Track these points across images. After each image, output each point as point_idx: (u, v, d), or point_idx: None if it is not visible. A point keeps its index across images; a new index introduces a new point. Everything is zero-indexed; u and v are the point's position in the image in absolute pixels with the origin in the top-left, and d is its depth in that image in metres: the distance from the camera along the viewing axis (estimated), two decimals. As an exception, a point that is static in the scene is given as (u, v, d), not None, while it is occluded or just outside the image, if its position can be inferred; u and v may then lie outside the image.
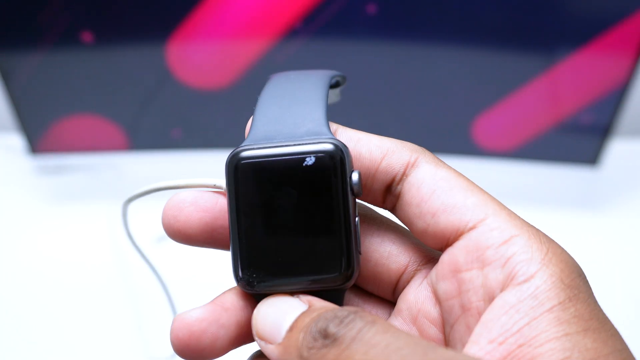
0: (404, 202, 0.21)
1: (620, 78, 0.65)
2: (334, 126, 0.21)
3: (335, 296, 0.20)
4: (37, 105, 0.71)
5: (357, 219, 0.20)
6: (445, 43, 0.64)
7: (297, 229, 0.20)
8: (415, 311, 0.21)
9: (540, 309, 0.17)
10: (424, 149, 0.21)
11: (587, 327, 0.17)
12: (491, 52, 0.64)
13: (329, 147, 0.20)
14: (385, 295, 0.22)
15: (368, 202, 0.22)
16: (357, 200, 0.21)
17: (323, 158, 0.20)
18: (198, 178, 0.23)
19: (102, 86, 0.69)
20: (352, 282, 0.20)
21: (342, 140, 0.20)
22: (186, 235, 0.21)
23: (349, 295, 0.23)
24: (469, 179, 0.21)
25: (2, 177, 0.85)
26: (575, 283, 0.18)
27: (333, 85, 0.24)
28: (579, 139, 0.73)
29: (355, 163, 0.21)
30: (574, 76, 0.66)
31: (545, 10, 0.61)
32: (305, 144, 0.20)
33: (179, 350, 0.21)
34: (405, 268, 0.22)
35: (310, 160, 0.20)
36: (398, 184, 0.21)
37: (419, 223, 0.20)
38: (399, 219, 0.22)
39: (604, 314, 0.19)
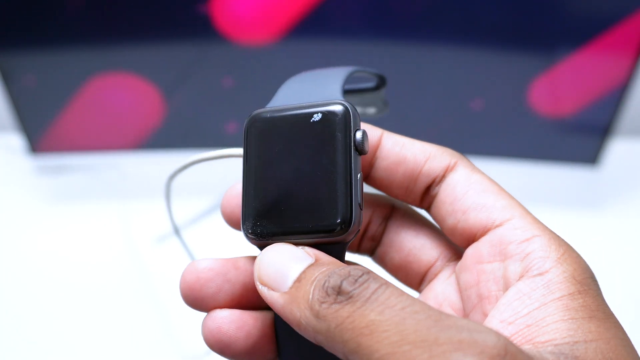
0: (439, 200, 0.22)
1: (620, 77, 0.65)
2: (379, 131, 0.23)
3: (337, 249, 0.21)
4: (37, 105, 0.71)
5: (359, 175, 0.21)
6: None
7: (302, 181, 0.20)
8: (440, 301, 0.22)
9: (550, 296, 0.18)
10: (462, 155, 0.23)
11: (592, 315, 0.18)
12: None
13: (336, 107, 0.20)
14: (412, 285, 0.24)
15: (408, 203, 0.24)
16: (405, 203, 0.23)
17: (329, 114, 0.20)
18: (229, 149, 0.24)
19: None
20: (352, 234, 0.20)
21: (387, 145, 0.22)
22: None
23: None
24: (500, 186, 0.22)
25: (2, 177, 0.85)
26: (587, 281, 0.19)
27: (375, 88, 0.25)
28: (579, 139, 0.73)
29: (400, 165, 0.22)
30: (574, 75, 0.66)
31: (545, 10, 0.61)
32: (316, 105, 0.21)
33: (184, 292, 0.22)
34: (435, 261, 0.23)
35: (317, 117, 0.20)
36: (437, 185, 0.22)
37: (450, 219, 0.22)
38: (432, 217, 0.23)
39: (610, 310, 0.20)
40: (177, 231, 0.31)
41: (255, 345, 0.22)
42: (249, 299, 0.22)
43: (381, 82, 0.26)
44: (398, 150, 0.22)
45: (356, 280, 0.17)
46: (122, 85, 0.70)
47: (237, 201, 0.22)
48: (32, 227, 0.78)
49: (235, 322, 0.21)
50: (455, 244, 0.23)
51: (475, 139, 0.74)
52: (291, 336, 0.20)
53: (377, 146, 0.23)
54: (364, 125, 0.22)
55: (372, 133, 0.23)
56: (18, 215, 0.80)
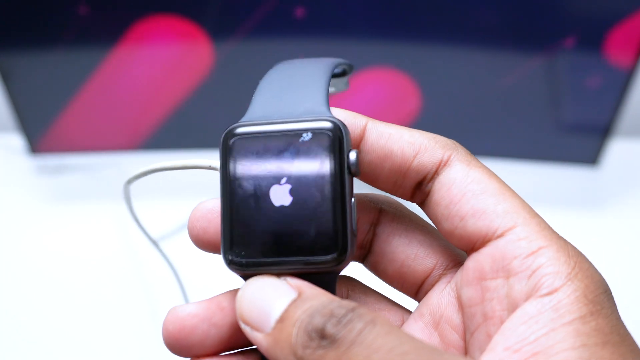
0: (433, 201, 0.20)
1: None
2: (364, 119, 0.21)
3: (327, 279, 0.19)
4: (37, 105, 0.71)
5: (353, 199, 0.19)
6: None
7: (290, 207, 0.18)
8: (438, 317, 0.21)
9: (559, 321, 0.17)
10: (457, 145, 0.21)
11: (606, 340, 0.17)
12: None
13: (327, 124, 0.18)
14: (409, 294, 0.22)
15: (397, 196, 0.22)
16: (387, 194, 0.21)
17: (320, 135, 0.18)
18: (194, 159, 0.22)
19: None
20: (345, 264, 0.19)
21: (371, 137, 0.20)
22: (214, 245, 0.20)
23: (363, 297, 0.23)
24: (501, 181, 0.20)
25: (2, 177, 0.85)
26: (599, 299, 0.18)
27: (340, 74, 0.24)
28: (579, 139, 0.73)
29: (386, 160, 0.20)
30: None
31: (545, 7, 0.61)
32: (303, 121, 0.19)
33: (168, 343, 0.20)
34: (432, 271, 0.21)
35: (307, 136, 0.18)
36: (429, 182, 0.20)
37: (447, 224, 0.20)
38: (427, 215, 0.21)
39: (625, 330, 0.19)
40: (145, 233, 0.30)
41: None
42: (238, 338, 0.20)
43: (349, 69, 0.24)
44: (383, 144, 0.20)
45: (339, 321, 0.16)
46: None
47: (211, 218, 0.20)
48: (32, 227, 0.78)
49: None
50: (455, 250, 0.22)
51: (475, 140, 0.74)
52: None
53: (361, 139, 0.20)
54: (344, 113, 0.20)
55: (355, 122, 0.20)
56: (18, 215, 0.80)
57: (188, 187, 0.78)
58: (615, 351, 0.17)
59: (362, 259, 0.23)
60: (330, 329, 0.16)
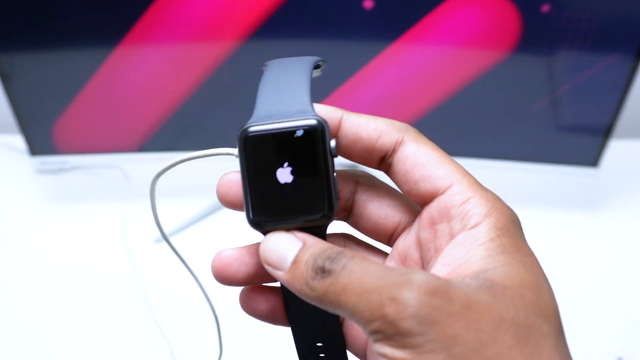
0: (394, 171, 0.28)
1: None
2: (340, 112, 0.28)
3: (321, 230, 0.27)
4: (38, 105, 0.71)
5: (334, 174, 0.27)
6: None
7: (291, 182, 0.26)
8: (403, 255, 0.29)
9: (476, 243, 0.25)
10: (409, 127, 0.28)
11: (504, 250, 0.24)
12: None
13: (313, 122, 0.26)
14: (383, 242, 0.30)
15: (369, 167, 0.29)
16: (364, 167, 0.29)
17: (309, 130, 0.26)
18: (216, 149, 0.29)
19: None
20: (332, 219, 0.27)
21: (346, 126, 0.28)
22: (233, 203, 0.28)
23: (355, 246, 0.31)
24: (442, 151, 0.27)
25: (3, 177, 0.85)
26: (506, 227, 0.25)
27: (316, 67, 0.30)
28: (579, 141, 0.73)
29: (357, 143, 0.28)
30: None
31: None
32: (296, 120, 0.26)
33: (214, 274, 0.29)
34: (398, 225, 0.29)
35: (300, 133, 0.26)
36: (390, 157, 0.28)
37: (405, 187, 0.28)
38: (391, 179, 0.29)
39: (523, 243, 0.26)
40: (162, 233, 0.34)
41: (273, 307, 0.30)
42: (261, 275, 0.28)
43: (322, 63, 0.31)
44: (355, 131, 0.27)
45: (333, 260, 0.24)
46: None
47: (231, 185, 0.28)
48: (32, 227, 0.78)
49: (257, 290, 0.30)
50: (414, 206, 0.30)
51: (476, 141, 0.74)
52: (295, 299, 0.27)
53: (338, 128, 0.28)
54: (325, 108, 0.28)
55: (333, 115, 0.28)
56: (19, 215, 0.80)
57: (187, 188, 0.78)
58: (509, 256, 0.24)
59: (346, 219, 0.31)
60: (327, 265, 0.24)
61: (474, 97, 0.69)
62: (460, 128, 0.73)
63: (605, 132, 0.70)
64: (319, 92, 0.71)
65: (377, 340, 0.22)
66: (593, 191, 0.84)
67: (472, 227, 0.25)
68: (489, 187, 0.27)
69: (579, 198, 0.83)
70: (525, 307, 0.23)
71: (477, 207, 0.25)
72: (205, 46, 0.67)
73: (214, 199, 0.81)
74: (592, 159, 0.73)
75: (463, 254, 0.25)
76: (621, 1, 0.61)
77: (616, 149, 0.79)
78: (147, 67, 0.69)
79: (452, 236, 0.26)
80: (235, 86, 0.70)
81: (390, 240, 0.30)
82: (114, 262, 0.73)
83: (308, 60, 0.30)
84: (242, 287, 0.30)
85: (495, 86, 0.68)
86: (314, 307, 0.25)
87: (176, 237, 0.76)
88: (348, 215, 0.30)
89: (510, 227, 0.25)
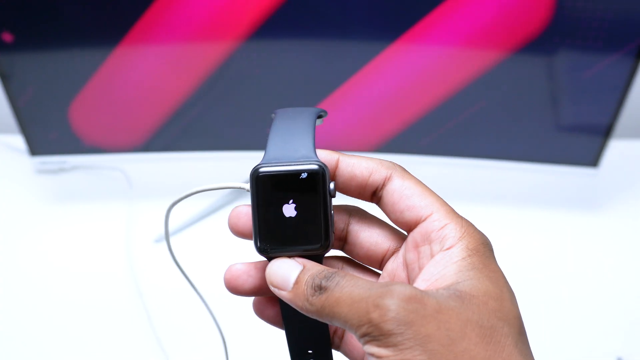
0: (384, 202, 0.32)
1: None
2: (337, 154, 0.33)
3: (318, 258, 0.31)
4: (37, 105, 0.71)
5: (332, 211, 0.32)
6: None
7: (295, 217, 0.31)
8: (392, 275, 0.33)
9: (450, 261, 0.29)
10: (395, 165, 0.33)
11: (474, 267, 0.29)
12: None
13: (315, 167, 0.31)
14: (375, 267, 0.34)
15: (362, 200, 0.33)
16: (355, 204, 0.34)
17: (312, 174, 0.31)
18: (230, 182, 0.34)
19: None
20: (328, 250, 0.32)
21: (342, 166, 0.32)
22: (242, 232, 0.33)
23: (352, 268, 0.35)
24: (424, 185, 0.32)
25: (3, 177, 0.85)
26: (477, 248, 0.29)
27: (318, 117, 0.35)
28: (579, 141, 0.73)
29: (352, 180, 0.32)
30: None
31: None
32: (301, 164, 0.31)
33: (225, 283, 0.33)
34: (387, 251, 0.34)
35: (304, 175, 0.31)
36: (380, 190, 0.32)
37: (393, 216, 0.32)
38: (382, 210, 0.33)
39: (491, 262, 0.29)
40: (172, 254, 0.39)
41: (275, 317, 0.35)
42: (266, 286, 0.32)
43: (324, 113, 0.36)
44: (350, 170, 0.32)
45: (328, 279, 0.29)
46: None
47: (240, 216, 0.32)
48: (32, 227, 0.78)
49: (266, 301, 0.35)
50: (401, 233, 0.34)
51: (476, 141, 0.74)
52: (289, 312, 0.32)
53: (336, 168, 0.32)
54: (325, 152, 0.32)
55: (331, 158, 0.32)
56: (18, 215, 0.80)
57: (185, 190, 0.78)
58: (477, 272, 0.28)
59: (341, 248, 0.35)
60: (323, 283, 0.29)
61: (474, 97, 0.69)
62: (460, 128, 0.73)
63: (605, 132, 0.70)
64: (320, 92, 0.71)
65: (365, 342, 0.26)
66: (593, 191, 0.84)
67: (448, 248, 0.29)
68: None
69: (579, 198, 0.83)
70: (489, 312, 0.27)
71: (452, 232, 0.30)
72: (205, 46, 0.67)
73: (212, 201, 0.81)
74: (592, 159, 0.73)
75: (439, 270, 0.29)
76: (621, 1, 0.61)
77: (616, 149, 0.79)
78: (148, 67, 0.69)
79: (432, 256, 0.30)
80: (235, 86, 0.70)
81: (381, 264, 0.34)
82: (113, 263, 0.73)
83: (312, 111, 0.35)
84: (254, 297, 0.35)
85: (495, 86, 0.68)
86: (305, 319, 0.30)
87: (175, 237, 0.76)
88: (343, 244, 0.34)
89: (480, 248, 0.30)
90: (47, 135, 0.74)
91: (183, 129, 0.74)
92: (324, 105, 0.69)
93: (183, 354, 0.65)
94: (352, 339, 0.35)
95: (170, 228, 0.77)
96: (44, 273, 0.73)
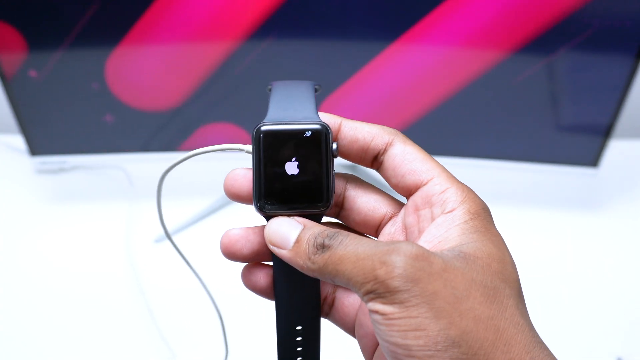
0: (385, 167, 0.32)
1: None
2: (340, 118, 0.32)
3: (318, 218, 0.31)
4: (37, 105, 0.71)
5: (333, 171, 0.31)
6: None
7: (297, 175, 0.31)
8: (390, 239, 0.33)
9: (452, 224, 0.29)
10: (397, 132, 0.33)
11: (476, 230, 0.29)
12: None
13: (319, 126, 0.31)
14: (371, 234, 0.34)
15: (363, 166, 0.33)
16: (355, 177, 0.34)
17: (316, 132, 0.31)
18: (228, 144, 0.33)
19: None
20: (328, 209, 0.31)
21: (344, 129, 0.32)
22: (238, 195, 0.32)
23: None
24: (424, 152, 0.32)
25: (3, 177, 0.85)
26: (478, 212, 0.30)
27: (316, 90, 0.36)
28: (579, 141, 0.73)
29: (354, 144, 0.32)
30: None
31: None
32: (305, 123, 0.31)
33: (222, 250, 0.33)
34: (384, 217, 0.34)
35: (308, 133, 0.30)
36: (381, 155, 0.32)
37: (393, 180, 0.32)
38: (382, 176, 0.33)
39: (491, 226, 0.30)
40: (166, 231, 0.37)
41: (267, 288, 0.34)
42: (264, 253, 0.33)
43: (319, 87, 0.36)
44: (352, 134, 0.32)
45: (331, 237, 0.28)
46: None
47: (237, 178, 0.32)
48: (32, 227, 0.78)
49: (258, 267, 0.34)
50: (398, 200, 0.34)
51: (476, 141, 0.74)
52: (282, 277, 0.32)
53: (338, 131, 0.32)
54: (327, 116, 0.32)
55: (334, 121, 0.32)
56: (18, 215, 0.80)
57: (190, 187, 0.79)
58: (480, 235, 0.29)
59: (337, 215, 0.34)
60: (326, 242, 0.28)
61: (474, 97, 0.69)
62: (460, 128, 0.73)
63: (605, 132, 0.70)
64: (320, 93, 0.71)
65: (369, 300, 0.26)
66: (593, 191, 0.84)
67: (450, 211, 0.30)
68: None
69: (579, 198, 0.83)
70: (492, 274, 0.27)
71: (453, 195, 0.30)
72: (205, 46, 0.67)
73: (216, 198, 0.81)
74: (592, 159, 0.73)
75: (442, 232, 0.29)
76: (621, 1, 0.61)
77: (616, 149, 0.79)
78: (148, 67, 0.69)
79: (432, 219, 0.30)
80: (235, 86, 0.70)
81: (377, 231, 0.34)
82: (113, 262, 0.73)
83: (310, 82, 0.35)
84: (244, 265, 0.34)
85: (495, 86, 0.68)
86: (298, 287, 0.31)
87: (178, 235, 0.76)
88: (339, 211, 0.34)
89: (481, 213, 0.30)
90: (47, 135, 0.74)
91: (183, 128, 0.74)
92: (324, 106, 0.69)
93: (187, 351, 0.65)
94: (342, 306, 0.35)
95: (171, 228, 0.77)
96: (44, 273, 0.73)
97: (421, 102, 0.70)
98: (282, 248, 0.30)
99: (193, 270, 0.40)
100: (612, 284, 0.73)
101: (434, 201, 0.30)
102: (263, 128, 0.30)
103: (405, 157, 0.32)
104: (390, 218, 0.33)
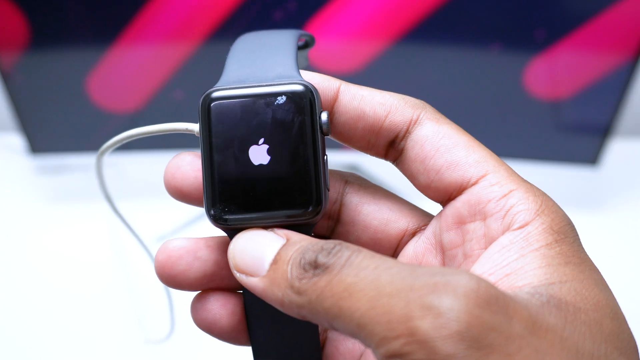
0: (408, 158, 0.21)
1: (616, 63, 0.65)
2: (337, 82, 0.22)
3: (305, 230, 0.20)
4: (37, 105, 0.71)
5: (325, 157, 0.20)
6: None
7: (268, 164, 0.20)
8: (416, 263, 0.22)
9: (528, 248, 0.19)
10: (425, 104, 0.22)
11: (568, 261, 0.19)
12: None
13: (299, 88, 0.20)
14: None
15: (371, 155, 0.22)
16: (357, 176, 0.23)
17: (293, 98, 0.20)
18: (171, 123, 0.23)
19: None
20: (321, 216, 0.20)
21: (345, 99, 0.21)
22: (182, 192, 0.21)
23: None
24: (469, 135, 0.22)
25: (3, 177, 0.85)
26: (564, 230, 0.20)
27: (302, 47, 0.24)
28: (579, 139, 0.73)
29: (360, 121, 0.21)
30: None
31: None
32: (277, 84, 0.20)
33: (157, 271, 0.22)
34: (404, 232, 0.22)
35: (281, 99, 0.20)
36: (402, 140, 0.21)
37: (423, 178, 0.21)
38: (402, 172, 0.22)
39: (586, 255, 0.21)
40: (115, 210, 0.30)
41: (238, 321, 0.22)
42: (221, 277, 0.22)
43: (311, 40, 0.25)
44: (356, 105, 0.21)
45: (330, 252, 0.17)
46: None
47: (181, 167, 0.22)
48: (32, 227, 0.78)
49: (216, 295, 0.22)
50: (423, 211, 0.23)
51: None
52: (262, 316, 0.21)
53: (335, 101, 0.21)
54: (317, 76, 0.21)
55: (328, 85, 0.21)
56: (18, 215, 0.80)
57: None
58: (575, 268, 0.19)
59: (331, 231, 0.23)
60: (321, 259, 0.17)
61: (473, 96, 0.69)
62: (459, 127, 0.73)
63: (605, 131, 0.70)
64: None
65: None
66: (593, 190, 0.84)
67: (520, 227, 0.19)
68: None
69: (579, 197, 0.83)
70: (605, 339, 0.17)
71: (523, 203, 0.20)
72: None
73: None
74: (592, 158, 0.73)
75: (511, 260, 0.19)
76: (621, 1, 0.61)
77: (616, 148, 0.79)
78: (145, 64, 0.69)
79: (490, 238, 0.20)
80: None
81: (394, 254, 0.23)
82: (113, 262, 0.73)
83: (292, 30, 0.24)
84: (195, 295, 0.22)
85: (494, 85, 0.68)
86: (285, 325, 0.20)
87: (176, 235, 0.76)
88: (334, 226, 0.23)
89: (569, 232, 0.20)
90: (47, 134, 0.74)
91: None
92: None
93: (188, 351, 0.65)
94: (335, 352, 0.23)
95: (171, 228, 0.76)
96: (44, 273, 0.73)
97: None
98: (251, 274, 0.19)
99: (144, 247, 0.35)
100: (612, 284, 0.73)
101: (489, 210, 0.20)
102: (214, 94, 0.20)
103: (441, 141, 0.21)
104: (413, 234, 0.22)
